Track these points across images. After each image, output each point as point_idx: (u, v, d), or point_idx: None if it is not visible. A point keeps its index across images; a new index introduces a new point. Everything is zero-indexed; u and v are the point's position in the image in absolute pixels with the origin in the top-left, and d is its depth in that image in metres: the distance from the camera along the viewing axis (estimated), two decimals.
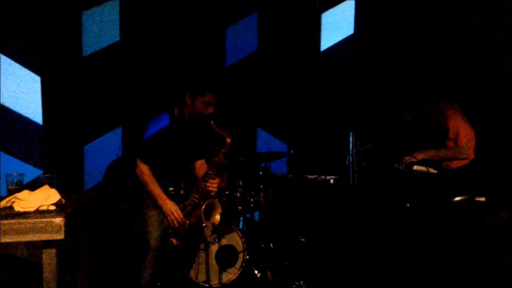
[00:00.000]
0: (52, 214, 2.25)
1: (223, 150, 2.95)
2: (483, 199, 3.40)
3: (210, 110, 2.92)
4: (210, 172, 2.98)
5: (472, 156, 3.65)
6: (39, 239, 2.16)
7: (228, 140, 2.93)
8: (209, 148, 3.10)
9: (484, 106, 4.05)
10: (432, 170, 3.57)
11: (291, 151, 3.83)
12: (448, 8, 4.18)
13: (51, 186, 2.55)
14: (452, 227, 3.39)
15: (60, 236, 2.16)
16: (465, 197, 3.43)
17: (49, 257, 2.18)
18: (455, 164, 3.64)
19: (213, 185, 2.98)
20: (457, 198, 3.45)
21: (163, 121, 3.00)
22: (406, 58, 4.33)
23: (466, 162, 3.65)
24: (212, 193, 2.98)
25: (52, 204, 2.38)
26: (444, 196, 3.49)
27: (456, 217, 3.40)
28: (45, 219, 2.17)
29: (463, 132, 3.59)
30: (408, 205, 3.53)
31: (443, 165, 3.64)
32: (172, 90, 3.93)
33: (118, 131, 4.32)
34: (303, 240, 3.68)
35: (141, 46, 4.26)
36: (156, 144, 2.93)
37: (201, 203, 2.96)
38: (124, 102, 4.23)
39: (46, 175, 2.73)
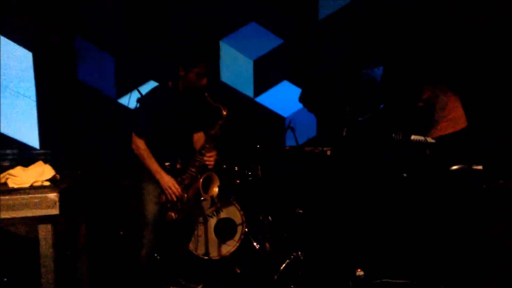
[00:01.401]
0: (47, 189, 2.23)
1: (219, 122, 2.93)
2: (480, 167, 3.40)
3: (203, 81, 2.88)
4: (207, 145, 2.96)
5: (463, 124, 3.65)
6: (34, 214, 2.14)
7: (224, 113, 2.90)
8: (206, 121, 3.07)
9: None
10: (429, 140, 3.56)
11: (291, 124, 3.81)
12: None
13: (45, 162, 2.52)
14: (450, 195, 3.40)
15: (55, 211, 2.14)
16: (463, 165, 3.42)
17: (45, 233, 2.17)
18: (440, 131, 3.64)
19: (210, 158, 2.96)
20: (455, 167, 3.44)
21: (157, 94, 2.96)
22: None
23: (455, 129, 3.64)
24: (209, 166, 2.97)
25: (47, 180, 2.36)
26: (442, 165, 3.48)
27: (454, 185, 3.41)
28: (40, 195, 2.15)
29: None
30: (405, 175, 3.52)
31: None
32: (165, 62, 3.88)
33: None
34: (301, 211, 3.69)
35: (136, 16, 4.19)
36: (151, 117, 2.89)
37: (199, 176, 2.95)
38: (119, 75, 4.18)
39: (40, 151, 2.70)
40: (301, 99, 4.26)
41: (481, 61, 4.00)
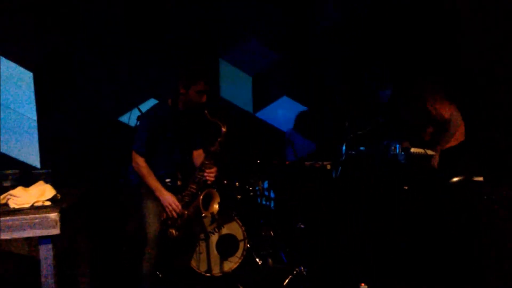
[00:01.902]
0: (47, 209, 2.23)
1: (219, 139, 2.94)
2: (480, 179, 3.40)
3: (204, 99, 2.90)
4: (206, 162, 2.97)
5: (462, 137, 3.65)
6: (35, 235, 2.14)
7: (224, 129, 2.92)
8: (205, 138, 3.08)
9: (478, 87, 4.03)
10: (430, 152, 3.56)
11: (290, 138, 3.84)
12: None
13: (46, 182, 2.53)
14: (451, 208, 3.40)
15: (56, 231, 2.14)
16: (463, 177, 3.42)
17: (45, 252, 2.16)
18: (444, 145, 3.64)
19: (210, 174, 2.97)
20: (455, 179, 3.44)
21: (157, 112, 2.98)
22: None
23: (454, 143, 3.64)
24: (209, 183, 2.97)
25: (47, 200, 2.36)
26: (442, 177, 3.48)
27: (454, 197, 3.40)
28: (41, 215, 2.15)
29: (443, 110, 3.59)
30: (406, 187, 3.52)
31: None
32: (165, 80, 3.91)
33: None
34: (303, 226, 3.68)
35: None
36: (151, 135, 2.91)
37: (199, 193, 2.95)
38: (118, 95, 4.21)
39: (41, 171, 2.71)
40: (297, 128, 4.30)
41: (480, 65, 4.01)
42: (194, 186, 2.96)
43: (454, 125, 3.57)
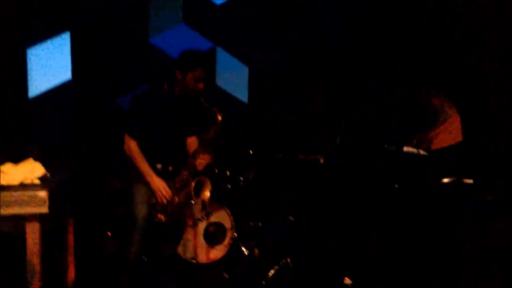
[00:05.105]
0: (37, 187, 2.20)
1: (214, 127, 2.92)
2: (471, 181, 3.43)
3: (200, 86, 2.88)
4: (200, 149, 2.95)
5: (459, 138, 3.67)
6: (22, 212, 2.11)
7: (220, 118, 2.91)
8: (200, 125, 3.06)
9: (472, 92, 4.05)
10: (422, 152, 3.58)
11: None
12: None
13: (36, 159, 2.48)
14: (440, 208, 3.43)
15: (45, 209, 2.11)
16: (454, 179, 3.45)
17: (32, 231, 2.14)
18: (436, 144, 3.66)
19: (203, 161, 2.95)
20: (446, 180, 3.46)
21: (152, 96, 2.95)
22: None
23: (451, 143, 3.66)
24: (201, 170, 2.96)
25: (37, 178, 2.33)
26: (433, 177, 3.51)
27: (443, 198, 3.43)
28: (29, 192, 2.12)
29: None
30: (396, 185, 3.54)
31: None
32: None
33: None
34: (292, 218, 3.69)
35: None
36: (145, 119, 2.87)
37: (191, 179, 2.94)
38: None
39: (31, 146, 2.66)
40: None
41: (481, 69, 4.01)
42: (186, 173, 2.95)
43: (442, 116, 3.58)
